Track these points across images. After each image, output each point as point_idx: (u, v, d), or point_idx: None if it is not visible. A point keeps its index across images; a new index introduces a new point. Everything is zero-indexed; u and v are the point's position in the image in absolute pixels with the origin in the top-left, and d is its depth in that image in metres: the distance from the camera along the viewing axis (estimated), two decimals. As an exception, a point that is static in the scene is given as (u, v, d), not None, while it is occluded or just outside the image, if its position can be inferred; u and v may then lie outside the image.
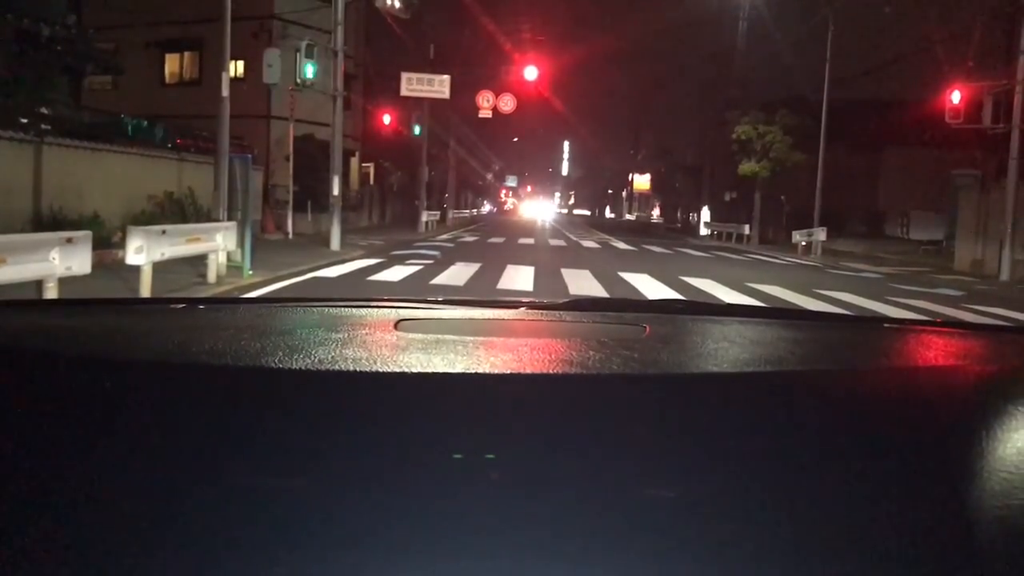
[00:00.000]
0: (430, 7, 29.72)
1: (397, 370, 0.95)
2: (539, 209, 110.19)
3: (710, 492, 0.68)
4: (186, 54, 27.43)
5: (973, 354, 1.44)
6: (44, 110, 14.29)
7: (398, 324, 1.29)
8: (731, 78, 41.00)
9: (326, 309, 1.56)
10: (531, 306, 1.65)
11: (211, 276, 10.44)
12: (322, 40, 18.97)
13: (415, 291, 11.09)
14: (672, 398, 0.94)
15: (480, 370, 0.99)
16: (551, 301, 1.69)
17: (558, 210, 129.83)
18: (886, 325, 1.79)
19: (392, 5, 19.98)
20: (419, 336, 1.20)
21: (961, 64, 21.75)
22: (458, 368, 0.99)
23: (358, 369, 0.95)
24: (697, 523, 0.63)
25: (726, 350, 1.29)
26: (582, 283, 12.82)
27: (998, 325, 1.88)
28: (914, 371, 1.22)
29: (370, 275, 12.99)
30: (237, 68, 22.90)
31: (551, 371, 0.99)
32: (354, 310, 1.55)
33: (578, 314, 1.58)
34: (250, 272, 11.41)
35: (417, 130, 33.55)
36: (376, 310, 1.54)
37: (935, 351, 1.41)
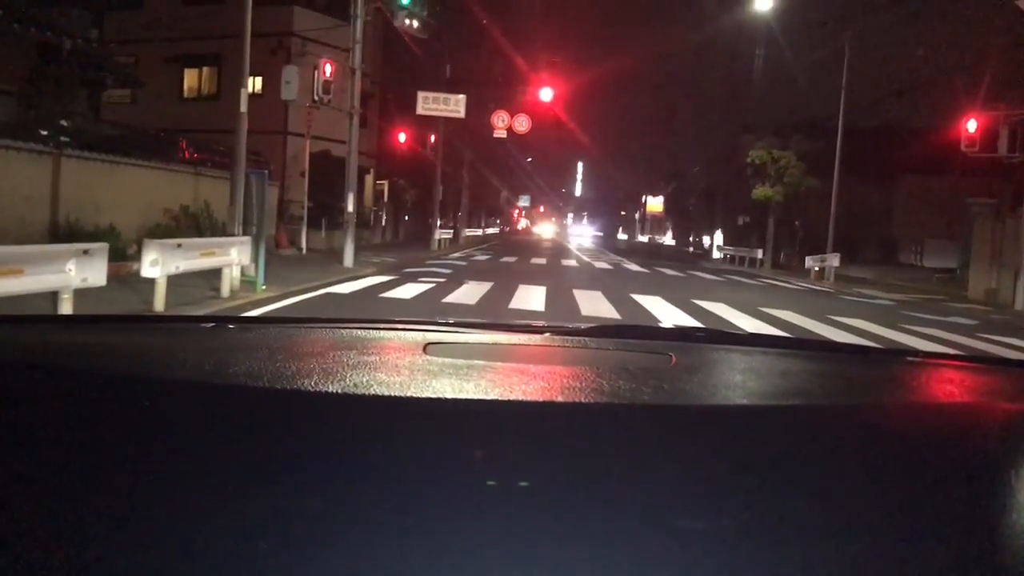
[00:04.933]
0: (448, 28, 29.89)
1: (431, 396, 0.96)
2: (574, 231, 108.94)
3: (740, 524, 0.68)
4: (205, 69, 27.67)
5: (997, 390, 1.44)
6: (64, 122, 14.43)
7: (427, 348, 1.30)
8: (746, 103, 41.08)
9: (355, 331, 1.56)
10: (556, 331, 1.65)
11: (225, 290, 10.48)
12: (340, 58, 19.11)
13: (427, 309, 11.10)
14: (702, 429, 0.94)
15: (512, 397, 0.99)
16: (575, 327, 1.69)
17: (596, 232, 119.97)
18: (909, 359, 1.79)
19: (410, 25, 20.12)
20: (448, 361, 1.21)
21: (977, 93, 21.73)
22: (490, 395, 1.00)
23: (392, 393, 0.96)
24: (728, 555, 0.63)
25: (752, 382, 1.30)
26: (594, 305, 12.80)
27: (1021, 360, 1.87)
28: (938, 407, 1.22)
29: (383, 292, 13.02)
30: (255, 84, 23.09)
31: (583, 400, 1.00)
32: (383, 332, 1.56)
33: (603, 340, 1.58)
34: (263, 287, 11.45)
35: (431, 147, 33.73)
36: (404, 333, 1.55)
37: (959, 386, 1.41)
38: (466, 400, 0.95)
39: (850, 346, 1.92)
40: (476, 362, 1.22)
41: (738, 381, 1.30)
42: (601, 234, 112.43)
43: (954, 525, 0.70)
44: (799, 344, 2.00)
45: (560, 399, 1.00)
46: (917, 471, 0.83)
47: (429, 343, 1.35)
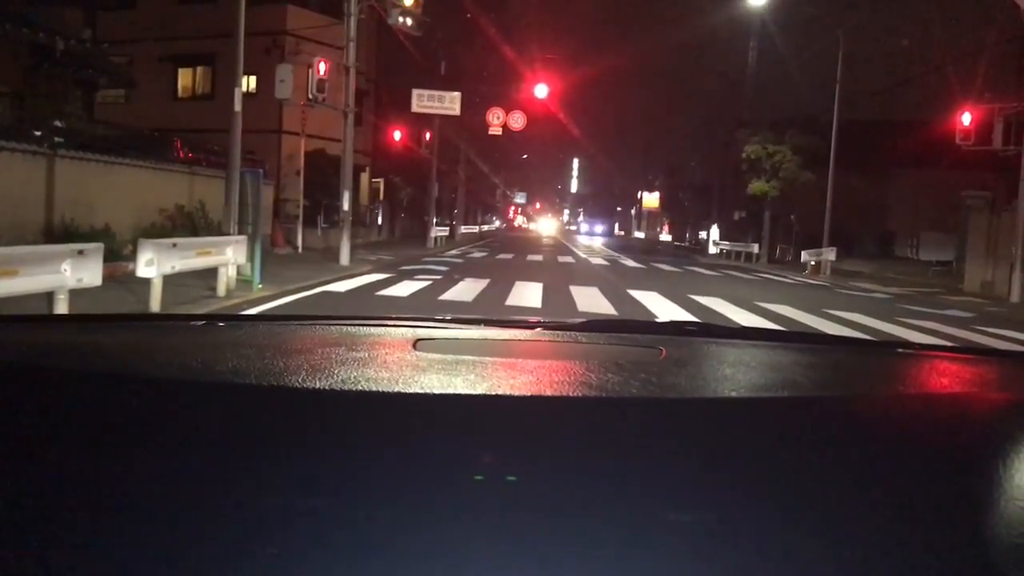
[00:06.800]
0: (442, 25, 29.86)
1: (419, 391, 0.96)
2: (593, 230, 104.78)
3: (729, 516, 0.68)
4: (199, 69, 27.61)
5: (989, 381, 1.44)
6: (58, 123, 14.38)
7: (416, 344, 1.30)
8: (741, 97, 41.03)
9: (345, 327, 1.56)
10: (547, 326, 1.66)
11: (221, 289, 10.46)
12: (334, 56, 19.07)
13: (424, 306, 11.10)
14: (691, 422, 0.94)
15: (501, 392, 0.99)
16: (566, 321, 1.70)
17: (614, 232, 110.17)
18: (901, 350, 1.79)
19: (404, 23, 20.03)
20: (438, 356, 1.20)
21: (972, 85, 21.75)
22: (479, 390, 0.99)
23: (380, 389, 0.96)
24: (718, 548, 0.63)
25: (742, 374, 1.29)
26: (591, 300, 12.80)
27: (1014, 351, 1.87)
28: (929, 398, 1.22)
29: (379, 290, 13.00)
30: (249, 83, 23.05)
31: (571, 394, 1.00)
32: (373, 329, 1.55)
33: (593, 335, 1.58)
34: (259, 286, 11.44)
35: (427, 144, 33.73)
36: (394, 329, 1.55)
37: (950, 378, 1.40)
38: (455, 395, 0.95)
39: (842, 338, 1.92)
40: (465, 358, 1.22)
41: (728, 374, 1.30)
42: (598, 232, 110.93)
43: (947, 516, 0.70)
44: (791, 337, 2.00)
45: (549, 393, 1.00)
46: (910, 462, 0.83)
47: (419, 339, 1.35)
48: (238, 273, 11.21)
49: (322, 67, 17.60)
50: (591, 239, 73.74)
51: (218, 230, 14.05)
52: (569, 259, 28.62)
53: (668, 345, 1.43)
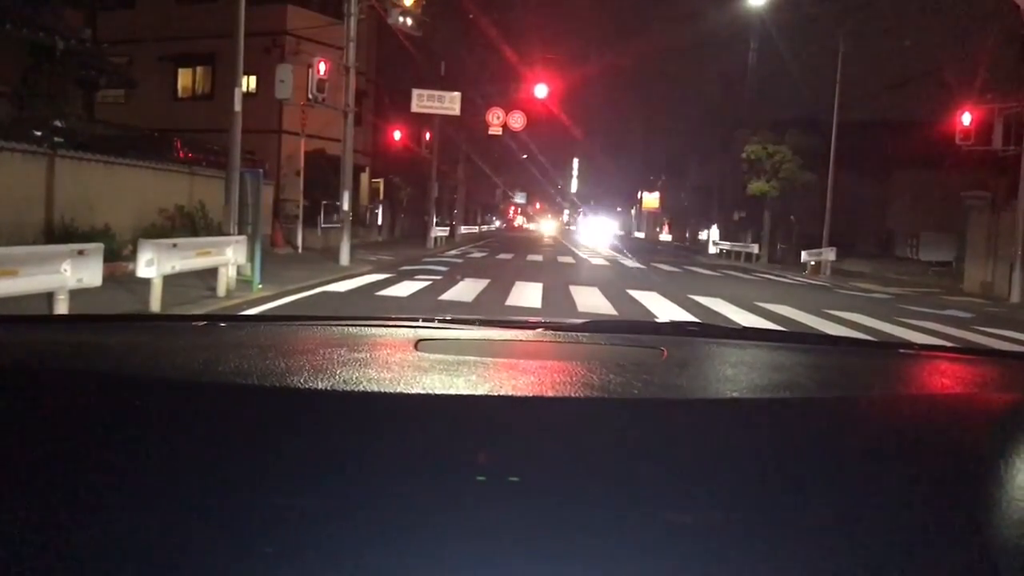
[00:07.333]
0: (442, 25, 29.85)
1: (420, 392, 0.95)
2: (593, 230, 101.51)
3: (731, 517, 0.68)
4: (199, 68, 27.61)
5: (990, 381, 1.43)
6: (58, 123, 14.38)
7: (418, 344, 1.30)
8: (741, 98, 41.00)
9: (347, 328, 1.56)
10: (548, 327, 1.65)
11: (221, 290, 10.46)
12: (334, 56, 19.07)
13: (424, 307, 11.09)
14: (692, 423, 0.94)
15: (503, 393, 0.99)
16: (568, 322, 1.70)
17: (617, 232, 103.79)
18: (902, 351, 1.79)
19: (404, 22, 20.01)
20: (439, 357, 1.20)
21: (972, 86, 21.75)
22: (481, 391, 0.99)
23: (382, 390, 0.96)
24: (718, 549, 0.63)
25: (744, 375, 1.29)
26: (591, 301, 12.79)
27: (1015, 352, 1.87)
28: (931, 399, 1.22)
29: (379, 290, 13.00)
30: (249, 83, 23.06)
31: (574, 395, 1.00)
32: (374, 329, 1.55)
33: (595, 335, 1.58)
34: (259, 286, 11.43)
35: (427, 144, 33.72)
36: (395, 329, 1.55)
37: (952, 378, 1.40)
38: (456, 396, 0.95)
39: (843, 339, 1.92)
40: (467, 358, 1.22)
41: (730, 374, 1.30)
42: (598, 232, 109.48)
43: (949, 517, 0.70)
44: (792, 337, 2.00)
45: (550, 394, 1.00)
46: (911, 463, 0.83)
47: (420, 340, 1.35)
48: (238, 273, 11.21)
49: (322, 67, 17.61)
50: (591, 239, 73.33)
51: (218, 230, 14.04)
52: (569, 259, 28.61)
53: (670, 346, 1.43)
